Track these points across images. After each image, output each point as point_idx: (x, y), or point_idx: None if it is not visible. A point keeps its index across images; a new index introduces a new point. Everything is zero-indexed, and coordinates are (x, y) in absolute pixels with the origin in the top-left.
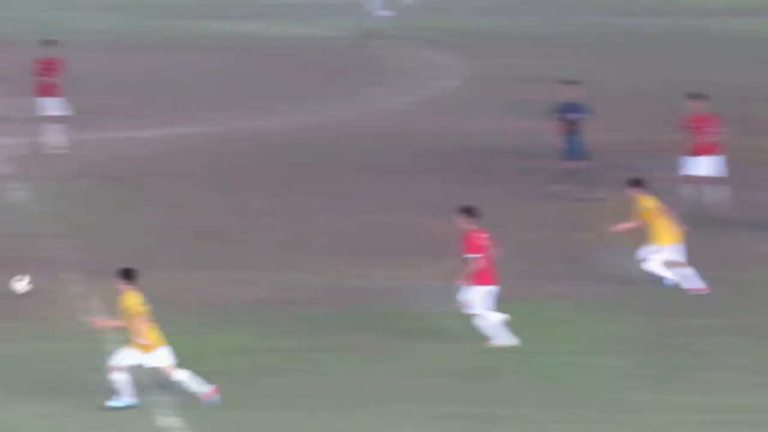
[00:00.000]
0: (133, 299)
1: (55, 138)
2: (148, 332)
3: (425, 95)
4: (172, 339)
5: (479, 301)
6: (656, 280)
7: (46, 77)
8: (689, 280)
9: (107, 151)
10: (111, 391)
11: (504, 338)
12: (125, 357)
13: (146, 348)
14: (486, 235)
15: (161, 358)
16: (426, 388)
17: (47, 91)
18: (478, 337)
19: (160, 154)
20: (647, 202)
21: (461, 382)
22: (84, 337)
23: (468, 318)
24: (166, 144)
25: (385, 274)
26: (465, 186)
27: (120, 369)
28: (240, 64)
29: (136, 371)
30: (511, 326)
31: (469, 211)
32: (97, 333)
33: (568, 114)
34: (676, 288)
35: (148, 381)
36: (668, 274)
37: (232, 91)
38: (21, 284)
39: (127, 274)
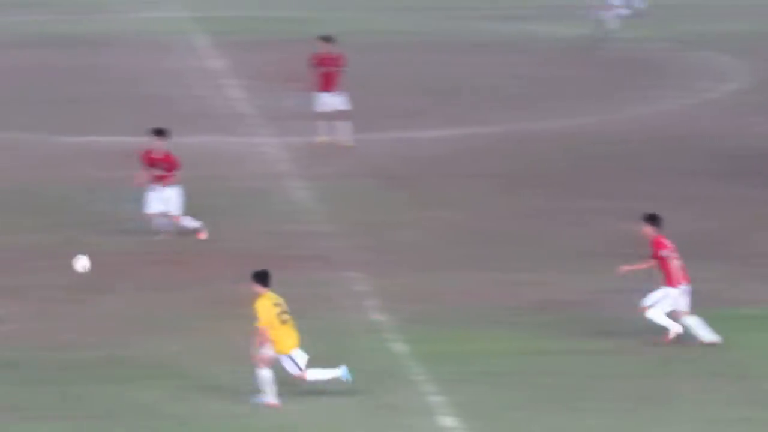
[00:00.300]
0: (264, 304)
1: (337, 133)
2: (283, 335)
3: (704, 98)
4: (449, 338)
5: (670, 302)
6: None
7: (325, 72)
8: None
9: (391, 150)
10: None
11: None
12: (298, 360)
13: (281, 350)
14: (668, 241)
15: (297, 361)
16: (698, 390)
17: (326, 86)
18: (749, 341)
19: (443, 154)
20: None
21: (731, 386)
22: (365, 336)
23: (742, 322)
24: (449, 144)
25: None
26: (741, 189)
27: (325, 379)
28: (516, 64)
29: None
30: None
31: (653, 219)
32: (378, 332)
33: None
34: None
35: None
36: None
37: (510, 91)
38: (81, 262)
39: (262, 277)
